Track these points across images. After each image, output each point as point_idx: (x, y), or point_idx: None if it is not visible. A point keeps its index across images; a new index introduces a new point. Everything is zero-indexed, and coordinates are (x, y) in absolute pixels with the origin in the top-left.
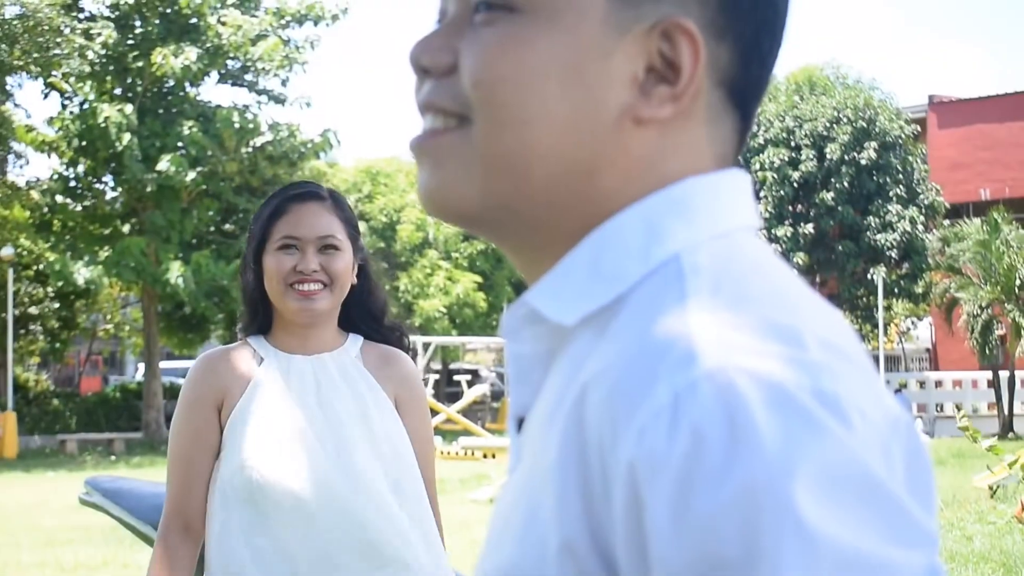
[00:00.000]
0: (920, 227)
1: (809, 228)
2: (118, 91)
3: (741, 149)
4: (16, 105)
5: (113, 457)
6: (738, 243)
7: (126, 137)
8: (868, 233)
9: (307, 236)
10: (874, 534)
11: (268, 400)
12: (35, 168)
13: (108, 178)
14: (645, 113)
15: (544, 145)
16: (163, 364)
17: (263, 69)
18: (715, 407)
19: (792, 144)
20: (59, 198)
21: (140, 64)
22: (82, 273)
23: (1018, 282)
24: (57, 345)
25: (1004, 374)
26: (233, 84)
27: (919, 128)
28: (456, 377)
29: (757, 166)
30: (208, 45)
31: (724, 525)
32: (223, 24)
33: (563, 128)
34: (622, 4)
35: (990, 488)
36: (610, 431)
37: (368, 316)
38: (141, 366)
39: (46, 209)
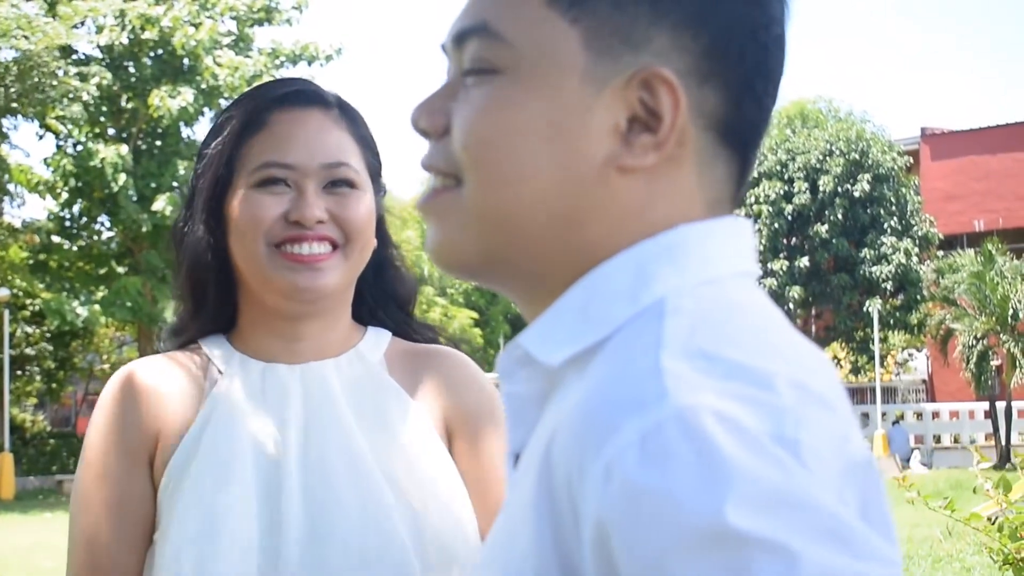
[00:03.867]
0: (915, 259)
1: (804, 261)
2: (112, 132)
3: (742, 190)
4: (12, 146)
5: None
6: (726, 289)
7: (121, 178)
8: (863, 265)
9: (306, 164)
10: (847, 554)
11: (223, 444)
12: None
13: (103, 218)
14: (629, 162)
15: (531, 200)
16: None
17: None
18: (683, 445)
19: (785, 177)
20: (55, 238)
21: (134, 105)
22: (79, 313)
23: (1012, 312)
24: (54, 385)
25: (1001, 405)
26: None
27: (912, 160)
28: None
29: (752, 200)
30: (203, 86)
31: (694, 559)
32: (219, 65)
33: (549, 183)
34: (600, 58)
35: (989, 520)
36: (578, 468)
37: (391, 301)
38: None
39: (41, 249)
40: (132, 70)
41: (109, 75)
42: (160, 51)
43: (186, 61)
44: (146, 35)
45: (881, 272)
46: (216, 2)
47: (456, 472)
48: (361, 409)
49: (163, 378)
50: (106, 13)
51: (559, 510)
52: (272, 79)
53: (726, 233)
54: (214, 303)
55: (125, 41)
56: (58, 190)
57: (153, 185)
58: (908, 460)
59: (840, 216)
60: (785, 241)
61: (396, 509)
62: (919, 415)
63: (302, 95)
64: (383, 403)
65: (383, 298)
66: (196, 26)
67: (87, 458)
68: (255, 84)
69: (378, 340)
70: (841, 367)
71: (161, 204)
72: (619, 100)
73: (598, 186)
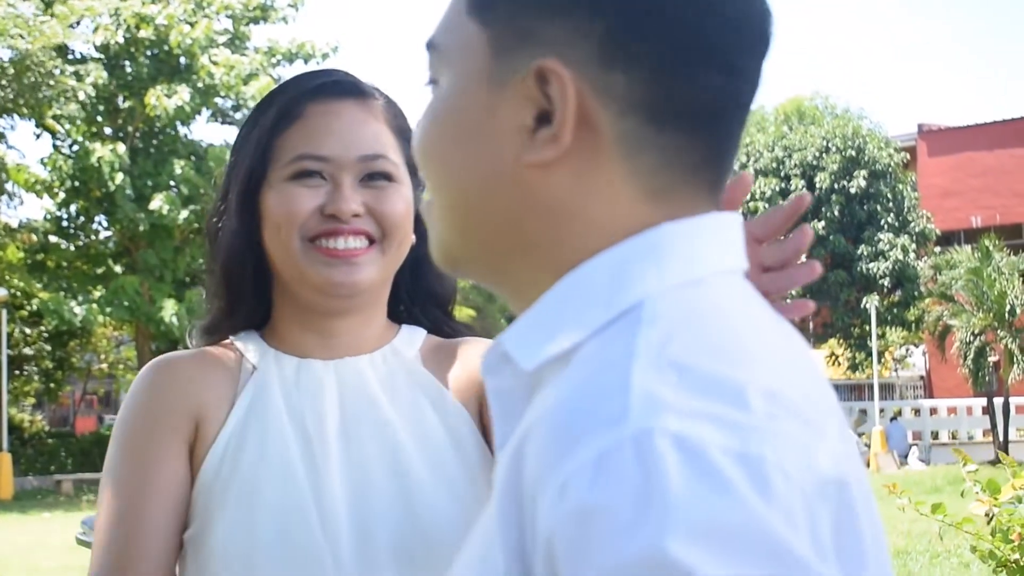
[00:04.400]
0: (912, 255)
1: (801, 258)
2: (109, 131)
3: (714, 175)
4: (9, 146)
5: None
6: (708, 290)
7: (118, 177)
8: (860, 262)
9: (343, 157)
10: None
11: (268, 439)
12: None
13: (101, 218)
14: (532, 158)
15: (467, 204)
16: None
17: None
18: (634, 469)
19: (782, 174)
20: (52, 238)
21: (131, 104)
22: (76, 312)
23: (1010, 308)
24: (51, 385)
25: (998, 401)
26: (224, 122)
27: (909, 156)
28: None
29: (748, 196)
30: (200, 85)
31: None
32: (214, 64)
33: (476, 186)
34: (501, 58)
35: (986, 516)
36: (541, 480)
37: (428, 299)
38: None
39: (39, 249)
40: (128, 69)
41: (105, 74)
42: (156, 50)
43: (182, 60)
44: (142, 34)
45: (878, 268)
46: (212, 1)
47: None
48: (399, 404)
49: (200, 368)
50: (102, 12)
51: (524, 519)
52: (311, 70)
53: (711, 230)
54: (250, 300)
55: (121, 40)
56: (55, 190)
57: (150, 184)
58: (906, 456)
59: (837, 213)
60: (782, 238)
61: (438, 504)
62: (917, 411)
63: (339, 86)
64: (420, 398)
65: (420, 296)
66: (192, 25)
67: (122, 440)
68: (251, 83)
69: (412, 337)
70: (839, 363)
71: (158, 203)
72: (521, 97)
73: (517, 185)
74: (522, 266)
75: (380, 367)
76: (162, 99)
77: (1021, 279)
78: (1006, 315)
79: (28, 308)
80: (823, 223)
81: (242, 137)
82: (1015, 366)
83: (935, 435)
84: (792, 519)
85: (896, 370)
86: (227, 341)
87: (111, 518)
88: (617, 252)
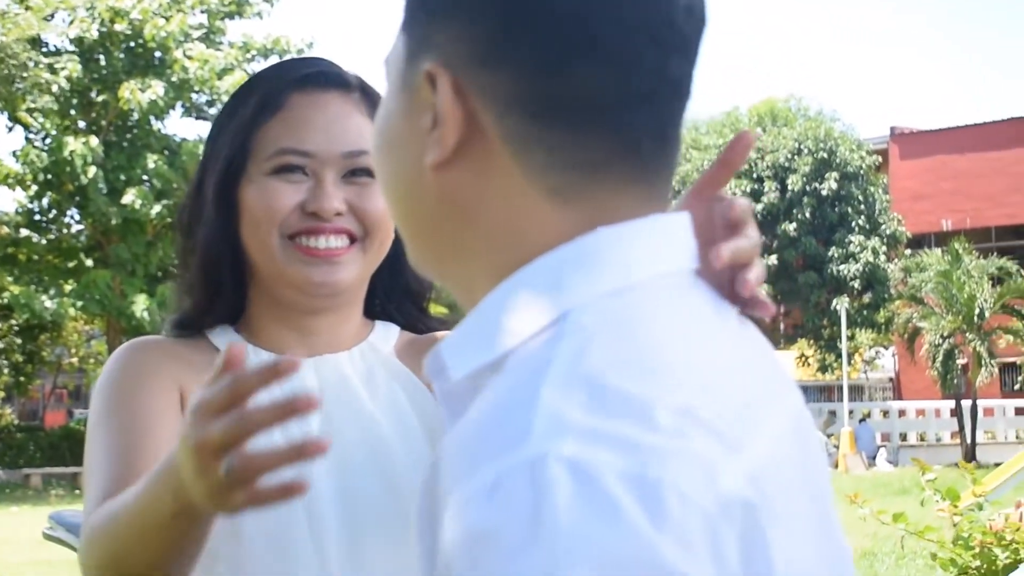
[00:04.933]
0: (882, 257)
1: (772, 259)
2: (82, 124)
3: (638, 171)
4: None
5: (78, 491)
6: (636, 298)
7: (91, 170)
8: (831, 264)
9: (326, 152)
10: None
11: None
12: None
13: (73, 211)
14: (429, 160)
15: (399, 208)
16: None
17: None
18: (527, 495)
19: (754, 175)
20: (24, 231)
21: (105, 97)
22: (48, 306)
23: (979, 312)
24: (21, 379)
25: (966, 403)
26: (198, 117)
27: (881, 159)
28: None
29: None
30: (174, 79)
31: None
32: (189, 58)
33: (403, 190)
34: (408, 65)
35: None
36: (447, 496)
37: (406, 296)
38: None
39: (10, 243)
40: (103, 62)
41: (80, 67)
42: (131, 44)
43: (157, 54)
44: (117, 27)
45: (849, 270)
46: None
47: None
48: (379, 399)
49: (183, 351)
50: (77, 5)
51: (435, 530)
52: (292, 57)
53: (646, 233)
54: (229, 294)
55: (95, 34)
56: (27, 183)
57: (123, 178)
58: (874, 458)
59: (808, 214)
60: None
61: None
62: (886, 413)
63: (322, 76)
64: (399, 392)
65: (396, 293)
66: (166, 19)
67: (112, 393)
68: (226, 78)
69: (387, 333)
70: (809, 365)
71: (131, 197)
72: (421, 102)
73: (429, 188)
74: (459, 269)
75: (359, 363)
76: (136, 93)
77: (990, 282)
78: (975, 318)
79: None
80: (794, 225)
81: (219, 126)
82: (983, 369)
83: (903, 437)
84: (688, 544)
85: (865, 372)
86: (200, 336)
87: (109, 453)
88: (552, 258)
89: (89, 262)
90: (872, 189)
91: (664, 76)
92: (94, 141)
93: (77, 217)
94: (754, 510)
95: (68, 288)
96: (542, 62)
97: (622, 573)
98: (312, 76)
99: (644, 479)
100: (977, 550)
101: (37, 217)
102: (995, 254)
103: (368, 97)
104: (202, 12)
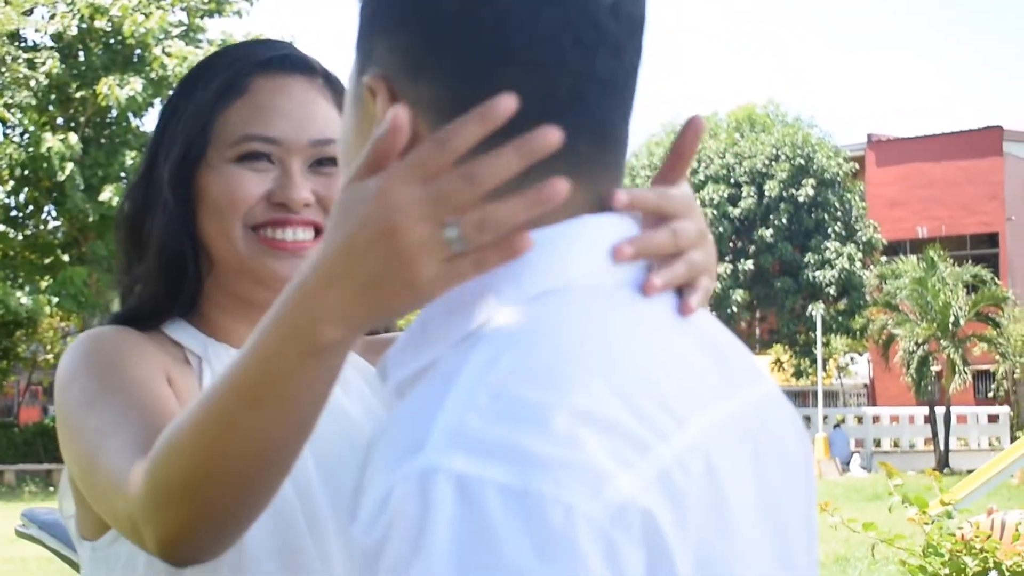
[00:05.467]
0: (858, 264)
1: (749, 265)
2: (61, 121)
3: (576, 173)
4: None
5: (52, 488)
6: (561, 301)
7: (69, 167)
8: (807, 269)
9: (293, 140)
10: None
11: None
12: None
13: (50, 208)
14: None
15: None
16: None
17: None
18: (413, 511)
19: (732, 181)
20: (0, 227)
21: (83, 94)
22: (23, 303)
23: (953, 319)
24: None
25: (940, 410)
26: None
27: (857, 166)
28: None
29: (697, 203)
30: (153, 76)
31: None
32: (168, 55)
33: None
34: (357, 78)
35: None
36: (360, 498)
37: None
38: None
39: None
40: (82, 59)
41: (59, 63)
42: (110, 40)
43: (136, 51)
44: (96, 24)
45: (825, 277)
46: None
47: None
48: (350, 392)
49: (157, 341)
50: (57, 0)
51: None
52: (253, 39)
53: (574, 235)
54: (193, 286)
55: (75, 29)
56: (4, 178)
57: (100, 175)
58: (848, 463)
59: (785, 220)
60: (730, 244)
61: None
62: (860, 419)
63: (288, 60)
64: (364, 387)
65: None
66: (146, 15)
67: (104, 371)
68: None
69: None
70: (784, 370)
71: (108, 194)
72: (368, 114)
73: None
74: None
75: None
76: (115, 90)
77: (965, 290)
78: (949, 325)
79: None
80: (771, 231)
81: (173, 108)
82: (957, 376)
83: (877, 443)
84: (574, 555)
85: (840, 378)
86: (155, 331)
87: (128, 412)
88: None
89: (66, 258)
90: (848, 196)
91: (592, 77)
92: (72, 137)
93: (54, 213)
94: (653, 517)
95: (44, 284)
96: (466, 70)
97: None
98: (277, 59)
99: (526, 494)
100: (947, 558)
101: (14, 213)
102: (970, 262)
103: (331, 85)
104: (182, 9)
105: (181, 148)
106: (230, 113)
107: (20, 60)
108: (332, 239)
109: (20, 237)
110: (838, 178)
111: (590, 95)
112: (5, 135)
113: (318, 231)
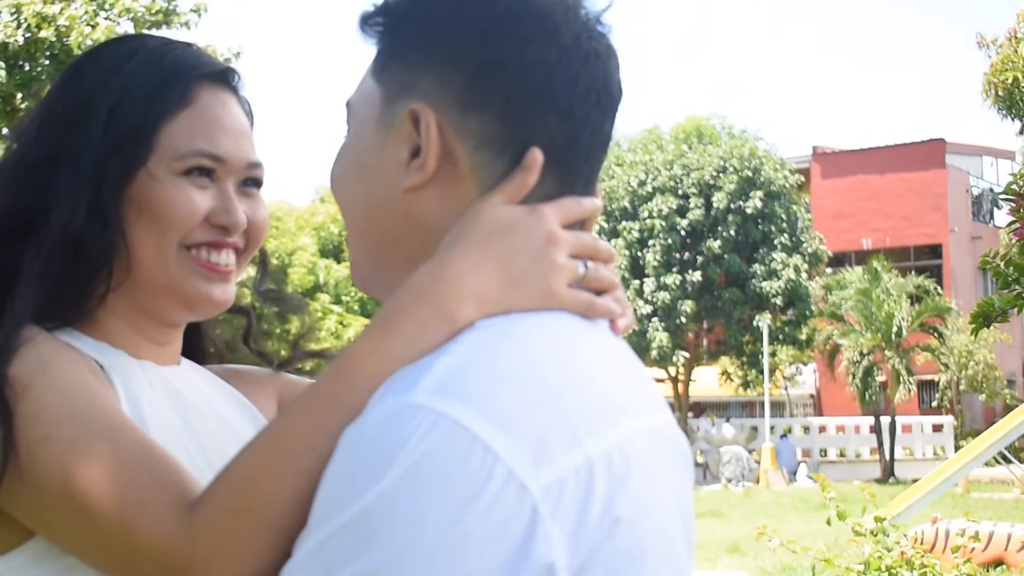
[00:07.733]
0: (804, 275)
1: (697, 276)
2: (6, 131)
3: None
4: None
5: None
6: (526, 320)
7: None
8: (754, 280)
9: (234, 160)
10: None
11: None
12: None
13: None
14: (406, 183)
15: (361, 224)
16: None
17: None
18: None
19: (680, 192)
20: None
21: (28, 104)
22: None
23: (897, 329)
24: None
25: (885, 420)
26: None
27: (803, 178)
28: None
29: (645, 214)
30: None
31: (347, 536)
32: None
33: (366, 211)
34: (388, 106)
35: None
36: None
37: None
38: None
39: None
40: (27, 68)
41: (4, 73)
42: (56, 51)
43: None
44: (43, 34)
45: (771, 288)
46: (114, 3)
47: None
48: (225, 402)
49: (69, 347)
50: (1, 10)
51: None
52: (185, 44)
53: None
54: (103, 289)
55: (21, 40)
56: None
57: None
58: (795, 473)
59: (732, 232)
60: (678, 256)
61: None
62: (807, 429)
63: (227, 75)
64: (231, 397)
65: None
66: (93, 26)
67: (66, 387)
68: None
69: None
70: (731, 380)
71: None
72: (401, 136)
73: (397, 207)
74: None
75: (199, 371)
76: None
77: (909, 301)
78: (893, 336)
79: None
80: (719, 242)
81: (99, 84)
82: (902, 386)
83: (824, 452)
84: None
85: (787, 388)
86: (53, 338)
87: (117, 455)
88: None
89: None
90: (795, 208)
91: (600, 134)
92: None
93: None
94: (541, 517)
95: None
96: (510, 110)
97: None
98: (219, 73)
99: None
100: (886, 574)
101: None
102: (913, 273)
103: (245, 105)
104: (129, 20)
105: (119, 150)
106: (176, 124)
107: None
108: (484, 243)
109: None
110: (784, 190)
111: (595, 149)
112: None
113: (237, 251)
